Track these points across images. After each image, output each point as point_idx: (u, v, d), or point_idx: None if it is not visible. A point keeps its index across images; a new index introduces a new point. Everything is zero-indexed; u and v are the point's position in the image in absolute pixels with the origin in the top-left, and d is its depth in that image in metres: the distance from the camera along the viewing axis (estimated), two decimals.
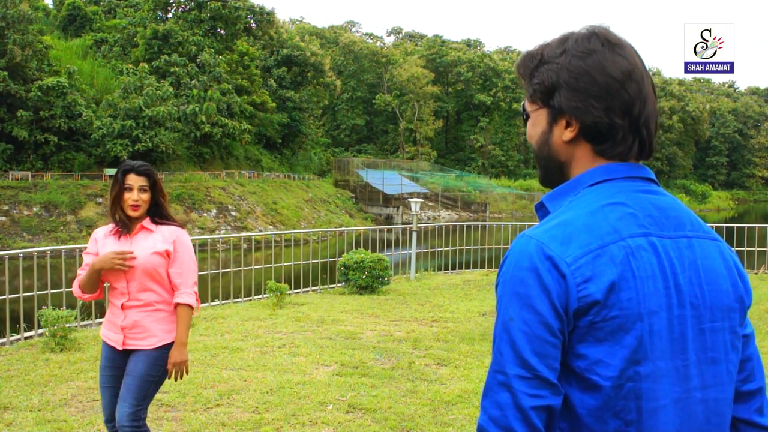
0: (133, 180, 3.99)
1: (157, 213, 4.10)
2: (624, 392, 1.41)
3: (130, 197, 3.97)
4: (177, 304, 4.05)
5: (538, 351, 1.39)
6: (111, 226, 4.10)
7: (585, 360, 1.41)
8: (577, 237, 1.42)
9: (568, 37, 1.56)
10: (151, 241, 4.02)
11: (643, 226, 1.47)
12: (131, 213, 3.99)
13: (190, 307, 4.08)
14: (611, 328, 1.40)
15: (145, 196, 4.00)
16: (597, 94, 1.49)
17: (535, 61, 1.59)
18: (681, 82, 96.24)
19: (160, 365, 4.02)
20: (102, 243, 4.06)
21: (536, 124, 1.61)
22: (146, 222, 4.07)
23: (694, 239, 1.52)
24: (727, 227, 16.86)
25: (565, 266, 1.40)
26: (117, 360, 4.06)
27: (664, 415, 1.43)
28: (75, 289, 4.08)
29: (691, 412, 1.46)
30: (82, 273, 4.04)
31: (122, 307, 4.02)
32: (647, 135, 1.54)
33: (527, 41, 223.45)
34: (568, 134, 1.54)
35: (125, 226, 4.03)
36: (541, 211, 1.60)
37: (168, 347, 4.05)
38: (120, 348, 4.02)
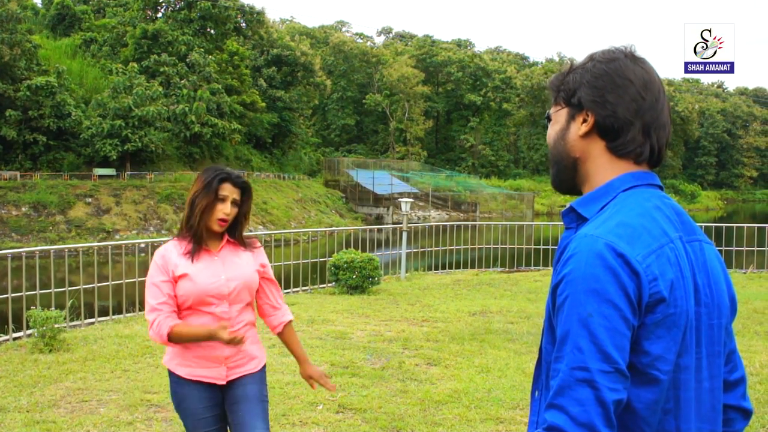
0: (229, 191, 3.42)
1: (236, 234, 3.55)
2: (668, 383, 1.51)
3: (222, 209, 3.39)
4: (285, 323, 3.67)
5: (618, 345, 1.44)
6: (182, 244, 3.46)
7: (648, 356, 1.48)
8: (639, 237, 1.50)
9: (596, 51, 1.73)
10: (245, 257, 3.54)
11: (677, 229, 1.58)
12: (216, 228, 3.42)
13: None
14: (669, 325, 1.49)
15: (235, 211, 3.46)
16: (614, 91, 1.63)
17: (564, 74, 1.73)
18: (670, 82, 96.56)
19: (266, 385, 3.66)
20: (184, 265, 3.39)
21: (556, 122, 1.74)
22: (229, 237, 3.55)
23: (703, 243, 1.65)
24: (716, 227, 16.92)
25: (637, 264, 1.47)
26: (216, 397, 3.51)
27: (691, 403, 1.55)
28: (159, 332, 3.30)
29: (701, 401, 1.58)
30: (162, 309, 3.31)
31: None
32: (657, 142, 1.65)
33: (518, 41, 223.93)
34: (584, 128, 1.66)
35: (201, 241, 3.44)
36: (570, 215, 1.68)
37: (265, 368, 3.67)
38: (223, 383, 3.48)
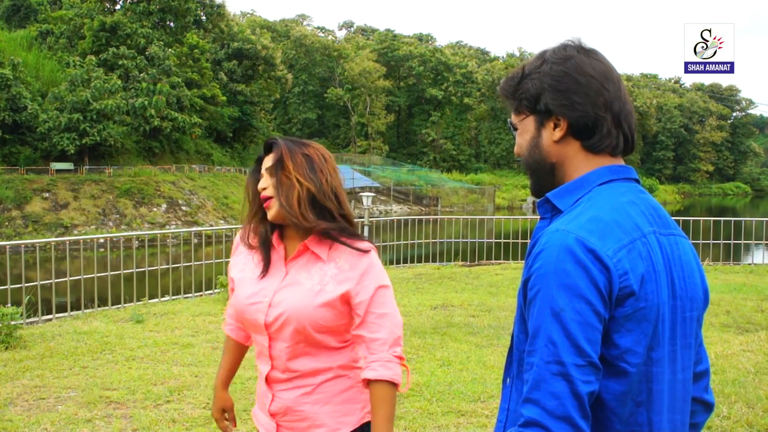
0: (266, 162, 2.37)
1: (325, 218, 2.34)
2: (640, 376, 1.53)
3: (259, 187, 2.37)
4: (369, 380, 2.35)
5: (591, 338, 1.46)
6: (251, 236, 2.45)
7: (617, 349, 1.50)
8: (611, 232, 1.52)
9: (545, 51, 1.69)
10: (318, 278, 2.33)
11: (651, 223, 1.60)
12: (269, 215, 2.35)
13: (395, 385, 2.39)
14: (638, 318, 1.51)
15: (274, 182, 2.31)
16: (579, 91, 1.61)
17: (516, 79, 1.70)
18: (629, 78, 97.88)
19: None
20: (241, 266, 2.46)
21: (525, 131, 1.70)
22: (312, 242, 2.34)
23: (678, 237, 1.68)
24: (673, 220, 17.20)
25: (607, 259, 1.48)
26: None
27: (664, 395, 1.58)
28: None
29: (674, 392, 1.61)
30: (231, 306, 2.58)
31: (267, 380, 2.44)
32: (629, 129, 1.66)
33: (479, 36, 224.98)
34: (558, 133, 1.64)
35: (266, 241, 2.40)
36: (545, 206, 1.68)
37: None
38: None
